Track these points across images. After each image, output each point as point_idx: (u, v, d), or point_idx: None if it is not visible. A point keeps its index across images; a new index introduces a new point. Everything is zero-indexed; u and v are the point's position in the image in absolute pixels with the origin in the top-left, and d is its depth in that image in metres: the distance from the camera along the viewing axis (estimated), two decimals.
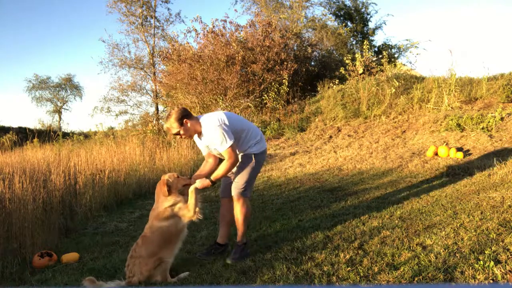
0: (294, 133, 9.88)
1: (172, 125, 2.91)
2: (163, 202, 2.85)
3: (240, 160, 3.07)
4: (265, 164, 7.94)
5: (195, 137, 3.09)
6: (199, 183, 2.92)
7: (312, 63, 14.23)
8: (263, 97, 11.53)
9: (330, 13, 15.99)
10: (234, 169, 3.05)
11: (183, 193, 2.99)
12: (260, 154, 3.12)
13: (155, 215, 2.84)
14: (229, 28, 12.63)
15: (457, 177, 5.04)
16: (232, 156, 2.88)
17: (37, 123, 26.41)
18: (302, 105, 11.58)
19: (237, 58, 11.55)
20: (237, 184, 3.02)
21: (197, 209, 2.87)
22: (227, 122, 2.90)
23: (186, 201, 2.90)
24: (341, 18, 15.93)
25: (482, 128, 7.00)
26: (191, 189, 2.90)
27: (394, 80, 10.02)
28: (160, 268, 2.72)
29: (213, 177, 2.95)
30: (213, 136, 2.89)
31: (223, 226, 3.28)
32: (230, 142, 2.85)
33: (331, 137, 9.06)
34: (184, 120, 2.91)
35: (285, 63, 12.03)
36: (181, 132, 2.93)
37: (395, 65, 13.10)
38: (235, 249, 3.04)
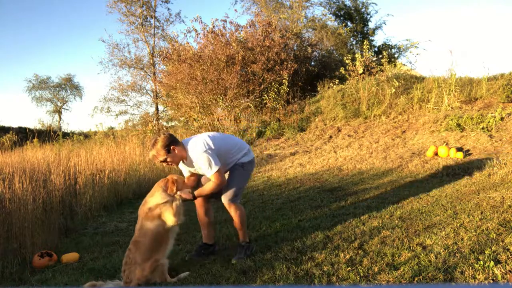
0: (294, 133, 9.88)
1: (159, 152, 2.83)
2: (157, 197, 2.81)
3: (230, 169, 3.10)
4: (265, 164, 7.94)
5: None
6: (183, 195, 2.91)
7: (312, 63, 14.24)
8: (263, 97, 11.53)
9: (330, 13, 16.01)
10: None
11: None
12: (248, 163, 3.15)
13: (144, 212, 2.79)
14: (229, 28, 12.65)
15: (457, 177, 5.04)
16: (219, 179, 2.89)
17: (37, 123, 26.43)
18: (302, 105, 11.58)
19: (237, 58, 11.56)
20: (227, 192, 3.02)
21: (180, 213, 2.85)
22: (212, 146, 2.88)
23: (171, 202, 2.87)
24: (341, 18, 15.94)
25: (482, 128, 7.00)
26: (177, 196, 2.90)
27: (394, 80, 10.02)
28: (158, 271, 2.70)
29: (196, 192, 2.94)
30: (200, 162, 2.87)
31: (205, 227, 3.26)
32: (216, 167, 2.85)
33: (331, 137, 9.06)
34: (172, 147, 2.85)
35: (285, 63, 12.03)
36: (168, 159, 2.87)
37: (395, 65, 13.10)
38: (239, 249, 3.05)
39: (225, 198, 3.03)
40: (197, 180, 3.19)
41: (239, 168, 3.10)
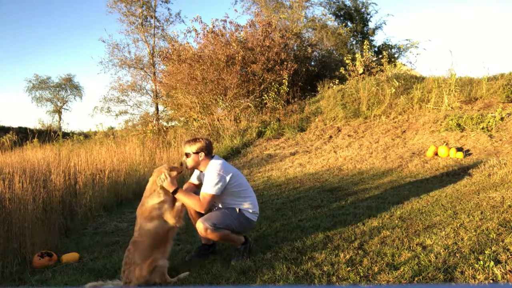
0: (294, 133, 9.88)
1: (191, 147, 3.01)
2: (152, 198, 2.81)
3: (226, 207, 3.03)
4: (265, 164, 7.94)
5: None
6: (166, 183, 2.86)
7: (312, 63, 14.24)
8: (263, 97, 11.53)
9: (330, 13, 16.01)
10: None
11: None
12: (250, 219, 3.06)
13: (142, 213, 2.80)
14: (229, 28, 12.64)
15: (457, 177, 5.04)
16: (204, 203, 2.86)
17: (37, 123, 26.46)
18: (302, 105, 11.58)
19: (237, 58, 11.55)
20: (211, 219, 2.86)
21: (180, 216, 2.84)
22: (225, 175, 2.92)
23: (172, 203, 2.86)
24: (341, 18, 15.94)
25: (482, 128, 7.00)
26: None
27: (394, 80, 10.02)
28: (157, 271, 2.69)
29: (178, 194, 2.87)
30: (207, 174, 2.94)
31: None
32: (213, 191, 2.86)
33: (331, 137, 9.06)
34: (201, 152, 3.00)
35: (285, 63, 12.03)
36: (189, 158, 3.02)
37: (395, 65, 13.10)
38: (236, 252, 3.02)
39: (202, 220, 2.86)
40: (195, 189, 3.20)
41: (239, 214, 3.01)
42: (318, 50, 14.71)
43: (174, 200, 2.89)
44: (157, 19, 17.07)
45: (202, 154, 3.01)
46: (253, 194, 3.17)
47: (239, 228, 3.00)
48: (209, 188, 2.88)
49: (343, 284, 2.37)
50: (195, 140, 3.05)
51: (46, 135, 12.02)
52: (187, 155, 3.04)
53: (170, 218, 2.78)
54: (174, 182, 2.91)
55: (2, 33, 39.31)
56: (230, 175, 2.96)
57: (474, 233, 2.89)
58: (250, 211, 3.07)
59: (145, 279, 2.67)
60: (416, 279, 2.30)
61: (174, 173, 2.97)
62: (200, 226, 2.83)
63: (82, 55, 46.05)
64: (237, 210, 3.02)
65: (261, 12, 15.64)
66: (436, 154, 6.40)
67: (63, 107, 29.07)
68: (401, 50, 15.54)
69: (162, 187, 2.86)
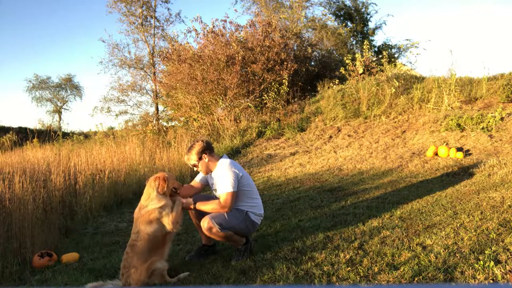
0: (294, 133, 9.88)
1: (191, 157, 3.02)
2: (153, 201, 2.77)
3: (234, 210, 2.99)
4: (265, 164, 7.94)
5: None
6: (184, 202, 2.91)
7: (312, 63, 14.23)
8: (263, 97, 11.53)
9: (330, 13, 16.00)
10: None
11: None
12: (255, 222, 3.06)
13: (141, 216, 2.75)
14: (229, 28, 12.63)
15: (457, 177, 5.04)
16: (227, 202, 2.86)
17: (37, 123, 26.48)
18: (302, 105, 11.58)
19: (237, 58, 11.55)
20: (217, 218, 2.85)
21: (178, 221, 2.83)
22: (239, 173, 2.95)
23: (171, 208, 2.84)
24: (341, 18, 15.94)
25: (482, 128, 7.00)
26: (178, 201, 2.89)
27: (394, 80, 10.01)
28: (156, 275, 2.68)
29: (198, 204, 2.94)
30: (221, 175, 2.93)
31: (201, 230, 3.15)
32: (231, 189, 2.86)
33: (331, 137, 9.06)
34: (203, 155, 3.00)
35: (285, 63, 12.02)
36: (199, 167, 3.05)
37: (395, 65, 13.09)
38: (237, 252, 3.02)
39: (208, 219, 2.84)
40: (196, 191, 3.20)
41: (246, 217, 3.00)
42: (318, 50, 14.71)
43: (173, 205, 2.88)
44: (157, 19, 17.07)
45: (205, 156, 3.01)
46: (259, 196, 3.17)
47: (244, 230, 3.00)
48: (227, 186, 2.88)
49: (343, 284, 2.37)
50: (190, 148, 3.04)
51: (46, 135, 12.02)
52: (194, 166, 3.06)
53: (168, 223, 2.75)
54: (189, 202, 2.95)
55: (2, 33, 39.33)
56: (241, 174, 2.98)
57: (474, 233, 2.89)
58: (256, 213, 3.07)
59: (144, 282, 2.66)
60: (416, 279, 2.30)
61: (170, 184, 2.90)
62: (205, 224, 2.83)
63: (82, 55, 46.08)
64: (244, 212, 3.01)
65: (261, 12, 15.65)
66: (436, 154, 6.40)
67: (63, 107, 29.10)
68: (401, 50, 15.54)
69: (160, 192, 2.83)
